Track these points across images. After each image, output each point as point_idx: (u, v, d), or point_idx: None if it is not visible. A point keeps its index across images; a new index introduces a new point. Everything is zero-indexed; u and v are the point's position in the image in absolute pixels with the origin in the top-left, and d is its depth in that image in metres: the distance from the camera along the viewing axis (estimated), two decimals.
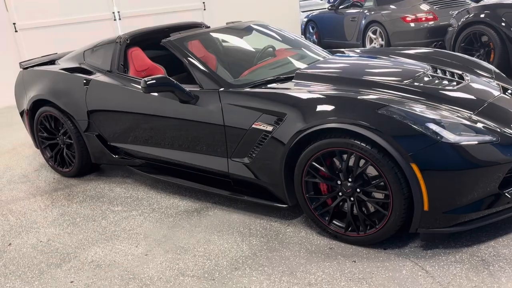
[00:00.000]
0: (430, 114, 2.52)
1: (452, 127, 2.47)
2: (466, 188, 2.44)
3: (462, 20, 6.33)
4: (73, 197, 3.86)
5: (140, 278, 2.64)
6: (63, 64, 4.43)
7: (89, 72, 4.01)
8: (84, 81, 3.90)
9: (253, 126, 2.93)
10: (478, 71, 3.44)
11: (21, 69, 4.59)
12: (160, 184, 3.86)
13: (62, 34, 7.91)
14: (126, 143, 3.80)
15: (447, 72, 3.30)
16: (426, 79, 3.08)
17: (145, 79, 3.16)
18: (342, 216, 2.79)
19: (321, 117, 2.64)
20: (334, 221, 2.78)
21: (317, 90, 2.94)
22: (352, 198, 2.67)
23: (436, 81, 3.06)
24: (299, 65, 3.62)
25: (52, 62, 4.63)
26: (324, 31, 10.01)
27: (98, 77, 3.87)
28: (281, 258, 2.68)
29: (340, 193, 2.71)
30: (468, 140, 2.43)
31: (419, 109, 2.56)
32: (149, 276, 2.65)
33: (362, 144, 2.50)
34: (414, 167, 2.38)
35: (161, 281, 2.60)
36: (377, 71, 3.36)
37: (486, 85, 3.16)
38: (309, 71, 3.29)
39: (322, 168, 2.70)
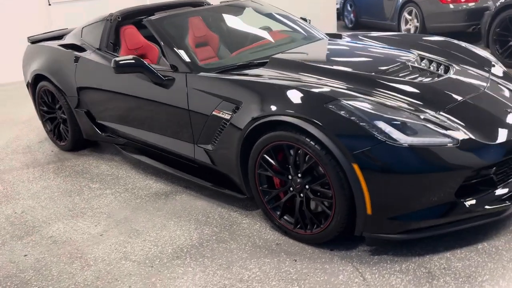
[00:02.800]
0: (382, 111, 2.31)
1: (405, 126, 2.26)
2: (415, 194, 2.24)
3: (499, 2, 5.78)
4: (61, 171, 3.98)
5: (85, 258, 2.68)
6: (67, 39, 4.51)
7: (81, 49, 4.05)
8: (74, 58, 3.96)
9: (213, 113, 2.84)
10: (474, 65, 3.13)
11: (29, 43, 4.73)
12: (142, 165, 3.89)
13: (95, 8, 8.06)
14: (110, 122, 3.84)
15: (433, 63, 3.02)
16: (404, 70, 2.84)
17: (116, 59, 3.14)
18: (294, 212, 2.67)
19: (270, 108, 2.51)
20: (285, 217, 2.67)
21: (279, 78, 2.80)
22: (302, 195, 2.54)
23: (414, 74, 2.81)
24: (287, 49, 3.44)
25: (60, 37, 4.72)
26: (362, 10, 9.54)
27: (87, 54, 3.91)
28: (225, 251, 2.61)
29: (291, 188, 2.59)
30: (419, 142, 2.21)
31: (372, 105, 2.35)
32: (95, 257, 2.69)
33: (307, 139, 2.35)
34: (356, 168, 2.21)
35: (104, 263, 2.63)
36: (354, 60, 3.14)
37: (471, 80, 2.85)
38: (282, 57, 3.12)
39: (272, 162, 2.58)
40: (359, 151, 2.21)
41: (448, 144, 2.23)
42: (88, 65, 3.83)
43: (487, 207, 2.34)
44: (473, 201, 2.32)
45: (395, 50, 3.25)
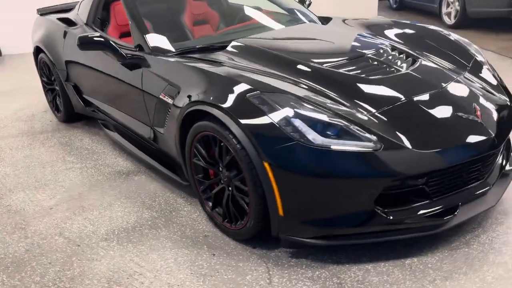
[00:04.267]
0: (302, 109, 2.13)
1: (323, 127, 2.08)
2: (329, 199, 2.09)
3: None
4: (48, 141, 4.12)
5: (26, 230, 2.78)
6: (70, 13, 4.60)
7: (73, 24, 4.12)
8: (64, 32, 4.03)
9: (160, 96, 2.79)
10: (452, 59, 2.82)
11: (38, 15, 4.88)
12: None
13: None
14: (91, 97, 3.90)
15: (402, 55, 2.75)
16: (360, 63, 2.62)
17: (80, 35, 3.15)
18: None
19: (197, 96, 2.41)
20: (216, 209, 2.59)
21: (223, 64, 2.68)
22: (230, 188, 2.44)
23: (369, 67, 2.58)
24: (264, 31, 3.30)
25: (69, 10, 4.82)
26: None
27: (74, 29, 3.96)
28: (153, 237, 2.60)
29: (221, 181, 2.50)
30: (336, 144, 2.03)
31: (294, 101, 2.18)
32: (34, 230, 2.77)
33: (226, 132, 2.24)
34: (267, 166, 2.09)
35: (39, 236, 2.70)
36: (314, 50, 2.93)
37: (434, 76, 2.57)
38: (240, 42, 2.97)
39: (203, 152, 2.50)
40: (270, 149, 2.07)
41: (369, 149, 2.03)
42: (73, 40, 3.88)
43: (414, 220, 2.13)
44: (398, 213, 2.12)
45: (367, 40, 3.00)
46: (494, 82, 2.69)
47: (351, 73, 2.50)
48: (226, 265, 2.32)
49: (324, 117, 2.11)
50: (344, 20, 3.61)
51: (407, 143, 2.07)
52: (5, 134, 4.41)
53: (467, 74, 2.67)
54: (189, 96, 2.48)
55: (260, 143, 2.09)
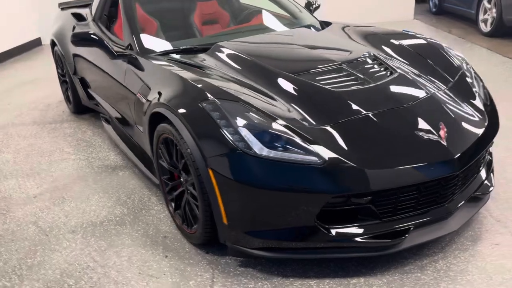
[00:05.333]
0: (250, 118, 2.10)
1: (269, 137, 2.05)
2: (270, 211, 2.06)
3: None
4: (54, 131, 4.31)
5: (7, 216, 2.92)
6: (86, 9, 4.77)
7: (83, 19, 4.26)
8: (73, 27, 4.18)
9: (137, 95, 2.85)
10: (433, 72, 2.70)
11: (59, 9, 5.08)
12: None
13: None
14: (92, 91, 4.03)
15: (382, 66, 2.66)
16: (332, 73, 2.55)
17: (74, 32, 3.26)
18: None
19: (159, 98, 2.44)
20: (178, 210, 2.62)
21: (195, 67, 2.70)
22: (189, 191, 2.46)
23: (339, 78, 2.51)
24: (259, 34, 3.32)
25: (87, 6, 5.00)
26: None
27: (82, 24, 4.10)
28: (116, 234, 2.66)
29: (182, 184, 2.52)
30: (279, 156, 2.00)
31: (245, 109, 2.16)
32: (14, 216, 2.91)
33: (179, 136, 2.26)
34: (211, 174, 2.08)
35: (15, 223, 2.84)
36: (291, 56, 2.89)
37: (405, 91, 2.45)
38: (221, 46, 2.96)
39: (165, 154, 2.53)
40: (214, 156, 2.07)
41: (312, 163, 1.98)
42: None
43: (358, 239, 2.06)
44: (342, 230, 2.06)
45: (350, 49, 2.90)
46: (478, 101, 2.54)
47: (317, 83, 2.44)
48: (175, 268, 2.34)
49: (272, 128, 2.08)
50: (343, 27, 3.51)
51: (352, 160, 2.00)
52: (19, 121, 4.65)
53: (447, 91, 2.54)
54: (154, 98, 2.52)
55: (206, 150, 2.09)
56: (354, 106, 2.26)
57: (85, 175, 3.40)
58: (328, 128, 2.14)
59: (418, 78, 2.58)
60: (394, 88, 2.44)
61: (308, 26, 3.55)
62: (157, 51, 3.07)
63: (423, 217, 2.15)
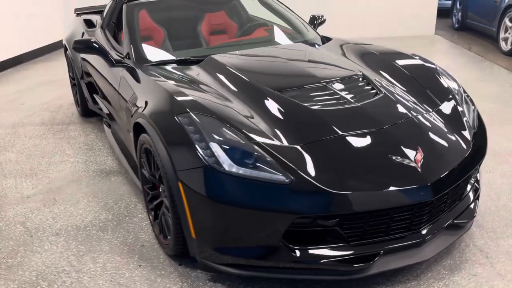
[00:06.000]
0: (223, 134, 2.11)
1: (239, 154, 2.05)
2: (236, 228, 2.05)
3: None
4: (60, 133, 4.42)
5: None
6: (100, 15, 4.89)
7: (93, 26, 4.38)
8: (82, 33, 4.30)
9: (127, 104, 2.90)
10: (421, 95, 2.65)
11: (75, 14, 5.23)
12: None
13: None
14: (96, 95, 4.13)
15: (369, 86, 2.63)
16: (316, 92, 2.54)
17: (75, 39, 3.35)
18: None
19: (140, 109, 2.48)
20: (157, 220, 2.64)
21: (178, 79, 2.74)
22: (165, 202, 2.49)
23: (323, 97, 2.49)
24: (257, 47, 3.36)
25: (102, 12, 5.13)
26: (469, 10, 8.39)
27: (90, 31, 4.21)
28: (97, 239, 2.70)
29: (161, 194, 2.55)
30: (246, 173, 1.99)
31: (219, 125, 2.16)
32: (4, 216, 3.00)
33: (155, 147, 2.28)
34: (181, 187, 2.10)
35: (5, 222, 2.92)
36: (281, 70, 2.91)
37: (386, 112, 2.41)
38: (214, 58, 2.99)
39: (146, 163, 2.57)
40: (184, 170, 2.09)
41: (278, 182, 1.97)
42: None
43: (324, 262, 2.03)
44: (308, 252, 2.04)
45: (339, 67, 2.88)
46: (463, 127, 2.46)
47: (298, 101, 2.42)
48: (145, 278, 2.36)
49: (243, 146, 2.08)
50: (342, 44, 3.48)
51: (320, 181, 1.98)
52: (28, 121, 4.79)
53: (432, 114, 2.48)
54: (139, 107, 2.56)
55: (177, 163, 2.11)
56: (331, 126, 2.24)
57: (80, 178, 3.48)
58: (300, 147, 2.13)
59: (404, 100, 2.54)
60: (376, 110, 2.41)
61: (307, 42, 3.54)
62: (153, 61, 3.12)
63: (394, 243, 2.11)
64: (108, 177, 3.48)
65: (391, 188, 2.01)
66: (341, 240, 2.06)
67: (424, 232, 2.17)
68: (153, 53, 3.23)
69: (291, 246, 2.03)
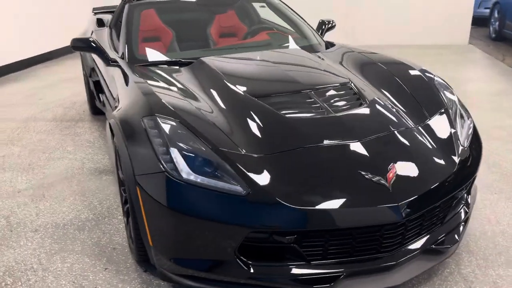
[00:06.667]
0: (185, 141, 2.03)
1: (198, 162, 1.97)
2: (191, 239, 1.97)
3: None
4: (67, 129, 4.49)
5: None
6: (111, 15, 4.94)
7: (103, 25, 4.42)
8: (91, 32, 4.34)
9: (115, 104, 2.88)
10: (411, 106, 2.49)
11: (92, 13, 5.31)
12: None
13: None
14: (101, 93, 4.16)
15: (355, 95, 2.49)
16: (297, 97, 2.43)
17: (74, 37, 3.37)
18: None
19: (113, 111, 2.44)
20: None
21: (157, 80, 2.69)
22: None
23: (302, 107, 2.37)
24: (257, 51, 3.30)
25: None
26: (507, 19, 7.96)
27: (99, 30, 4.25)
28: (72, 239, 2.68)
29: None
30: (202, 182, 1.91)
31: (183, 131, 2.09)
32: None
33: (119, 149, 2.24)
34: (138, 192, 2.04)
35: None
36: (265, 75, 2.82)
37: (366, 124, 2.26)
38: (203, 61, 2.92)
39: (119, 165, 2.53)
40: (142, 174, 2.02)
41: (235, 193, 1.87)
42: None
43: (280, 280, 1.92)
44: (263, 268, 1.93)
45: (328, 75, 2.75)
46: (451, 145, 2.27)
47: (274, 109, 2.31)
48: (107, 282, 2.31)
49: (204, 153, 2.00)
50: (345, 52, 3.34)
51: (278, 194, 1.86)
52: (41, 116, 4.90)
53: (418, 129, 2.31)
54: (114, 108, 2.53)
55: (136, 167, 2.05)
56: (303, 136, 2.12)
57: (73, 175, 3.49)
58: (264, 157, 2.02)
59: (388, 113, 2.38)
60: (355, 121, 2.27)
61: (309, 47, 3.42)
62: (144, 61, 3.10)
63: (358, 266, 1.96)
64: (100, 176, 3.48)
65: (356, 206, 1.87)
66: (300, 258, 1.94)
67: (394, 255, 2.01)
68: (146, 54, 3.21)
69: (246, 261, 1.93)
